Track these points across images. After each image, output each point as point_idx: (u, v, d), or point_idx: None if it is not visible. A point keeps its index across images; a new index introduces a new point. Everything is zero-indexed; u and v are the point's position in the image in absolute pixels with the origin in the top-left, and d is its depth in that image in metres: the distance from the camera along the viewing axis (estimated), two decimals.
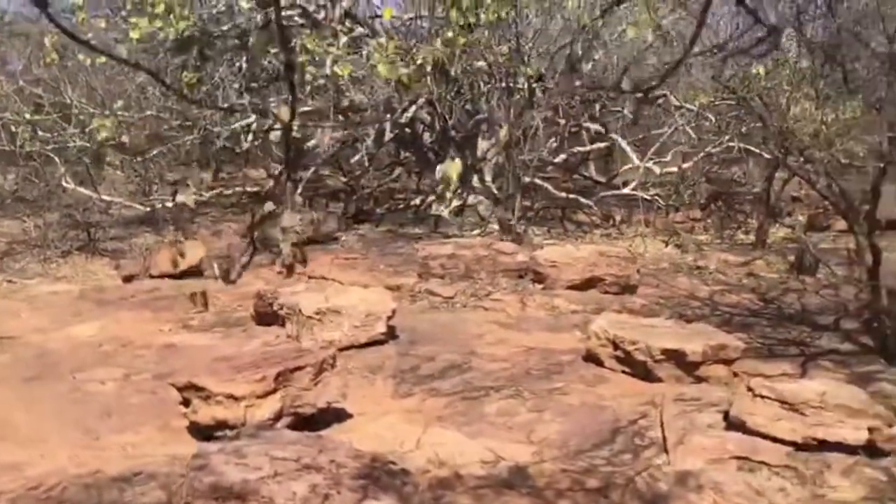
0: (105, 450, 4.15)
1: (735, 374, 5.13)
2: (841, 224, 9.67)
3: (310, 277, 8.03)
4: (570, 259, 7.54)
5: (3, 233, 10.62)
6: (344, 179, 14.83)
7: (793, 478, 3.62)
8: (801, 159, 6.00)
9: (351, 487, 2.79)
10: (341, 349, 5.71)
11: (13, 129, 10.10)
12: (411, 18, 11.79)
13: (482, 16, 9.36)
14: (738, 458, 3.75)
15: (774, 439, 3.83)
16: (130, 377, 5.27)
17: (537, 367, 5.42)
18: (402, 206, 13.20)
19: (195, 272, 8.28)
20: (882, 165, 4.89)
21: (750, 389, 3.91)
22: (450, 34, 9.63)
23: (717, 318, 6.83)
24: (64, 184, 11.23)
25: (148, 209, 11.59)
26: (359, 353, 5.69)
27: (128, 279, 8.25)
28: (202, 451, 3.00)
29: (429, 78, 10.10)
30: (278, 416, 4.12)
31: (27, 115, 10.12)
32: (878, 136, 4.93)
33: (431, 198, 12.82)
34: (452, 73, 10.56)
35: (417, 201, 13.09)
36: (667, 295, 7.53)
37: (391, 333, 6.05)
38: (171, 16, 9.32)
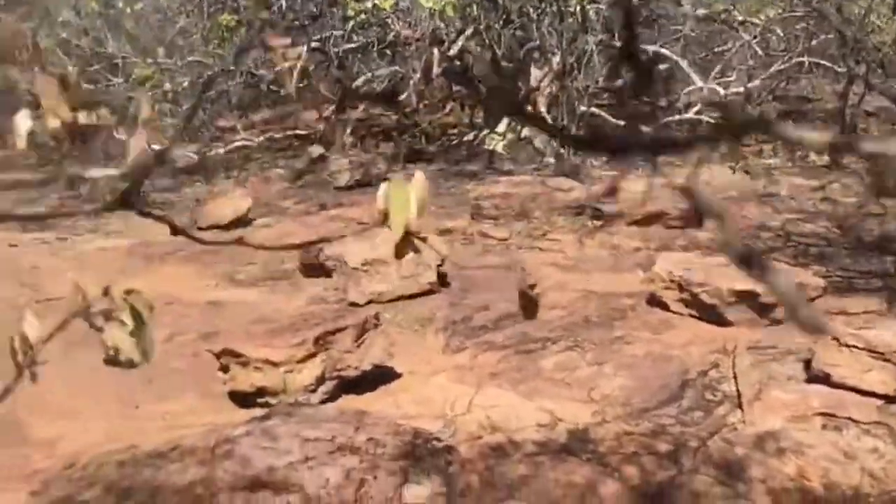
0: (144, 420, 3.99)
1: None
2: None
3: (359, 223, 7.77)
4: (631, 192, 7.10)
5: (56, 187, 10.58)
6: (395, 117, 14.48)
7: (886, 436, 3.25)
8: (880, 71, 5.43)
9: (389, 471, 2.54)
10: (390, 301, 5.48)
11: None
12: None
13: None
14: (823, 414, 3.40)
15: (863, 392, 3.46)
16: (175, 338, 5.10)
17: (597, 313, 5.09)
18: (455, 142, 12.80)
19: (243, 221, 8.10)
20: None
21: (835, 339, 3.52)
22: None
23: (791, 249, 6.38)
24: (115, 135, 11.17)
25: (197, 157, 11.47)
26: (408, 304, 5.43)
27: (177, 232, 8.08)
28: (228, 435, 2.78)
29: (475, 6, 9.63)
30: (320, 381, 3.89)
31: (71, 68, 9.97)
32: None
33: (485, 132, 12.41)
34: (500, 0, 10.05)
35: (471, 136, 12.68)
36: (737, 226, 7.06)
37: (443, 281, 5.76)
38: None
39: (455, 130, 13.89)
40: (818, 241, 6.57)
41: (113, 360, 1.32)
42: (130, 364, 1.33)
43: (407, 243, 1.26)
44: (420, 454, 2.65)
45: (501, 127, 12.26)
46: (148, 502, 3.05)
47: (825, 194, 8.09)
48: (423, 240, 1.26)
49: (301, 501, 2.43)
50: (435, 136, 13.38)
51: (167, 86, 10.04)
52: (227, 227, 7.89)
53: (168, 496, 2.64)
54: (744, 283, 4.67)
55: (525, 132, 11.90)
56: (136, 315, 1.33)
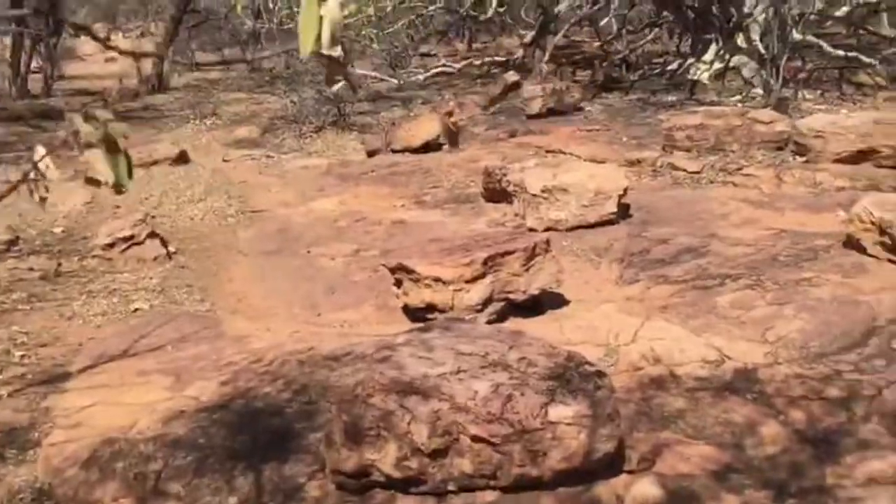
0: (324, 326, 4.26)
1: None
2: None
3: (547, 151, 7.74)
4: (839, 128, 6.59)
5: (267, 108, 11.27)
6: (597, 44, 14.11)
7: None
8: None
9: (537, 389, 2.57)
10: (569, 229, 5.46)
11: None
12: None
13: None
14: None
15: None
16: (359, 253, 5.37)
17: (786, 252, 4.81)
18: (658, 70, 12.32)
19: (435, 145, 8.28)
20: None
21: None
22: None
23: None
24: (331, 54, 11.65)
25: (399, 82, 11.78)
26: (587, 233, 5.39)
27: (371, 154, 8.43)
28: (388, 343, 2.91)
29: None
30: (488, 301, 3.97)
31: None
32: None
33: (690, 61, 11.85)
34: None
35: (675, 65, 12.15)
36: None
37: (624, 212, 5.66)
38: None
39: (661, 59, 13.37)
40: None
41: (91, 180, 1.48)
42: (108, 185, 1.46)
43: (334, 70, 1.25)
44: (569, 377, 2.67)
45: (709, 55, 11.67)
46: (318, 399, 3.28)
47: None
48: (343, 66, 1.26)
49: (450, 408, 2.52)
50: (637, 64, 12.95)
51: (370, 10, 10.29)
52: (418, 150, 8.10)
53: (335, 395, 2.82)
54: None
55: (734, 61, 11.27)
56: (112, 142, 1.44)
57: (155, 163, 7.90)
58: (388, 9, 10.93)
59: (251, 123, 10.32)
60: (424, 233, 5.42)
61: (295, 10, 10.43)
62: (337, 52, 1.36)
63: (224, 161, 8.48)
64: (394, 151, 8.28)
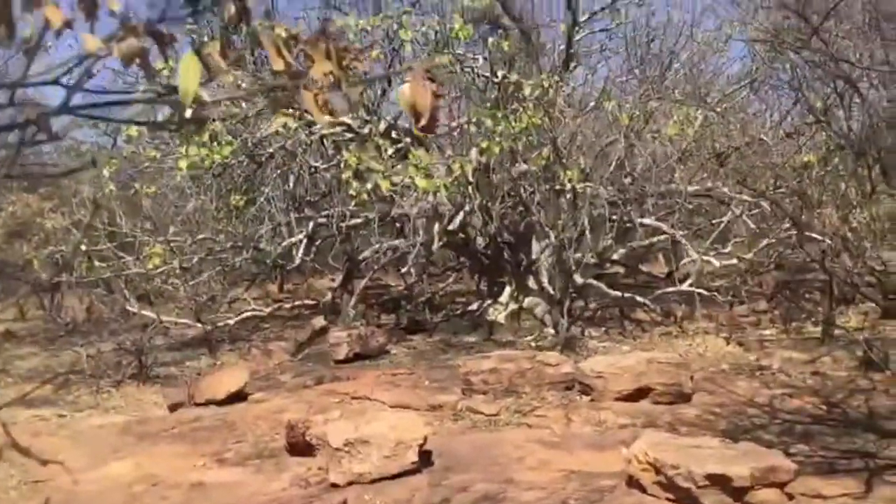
0: None
1: (790, 497, 4.71)
2: None
3: (353, 398, 7.87)
4: (617, 369, 7.21)
5: (63, 362, 10.82)
6: (401, 288, 14.82)
7: None
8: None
9: None
10: (372, 481, 5.50)
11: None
12: (453, 127, 11.82)
13: (516, 123, 9.41)
14: None
15: None
16: None
17: (576, 496, 5.08)
18: (459, 311, 13.02)
19: (240, 396, 8.21)
20: None
21: None
22: (485, 143, 9.70)
23: (777, 426, 6.39)
24: (128, 308, 11.50)
25: (207, 329, 11.72)
26: (389, 484, 5.44)
27: (173, 408, 8.21)
28: None
29: (470, 187, 10.09)
30: None
31: (83, 247, 10.44)
32: None
33: (488, 302, 12.65)
34: (494, 179, 10.53)
35: (475, 306, 12.91)
36: (723, 402, 7.10)
37: (426, 460, 5.79)
38: (216, 143, 9.59)
39: (463, 299, 14.16)
40: (804, 417, 6.58)
41: None
42: None
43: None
44: None
45: (504, 297, 12.52)
46: None
47: (816, 367, 8.14)
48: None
49: None
50: (441, 305, 13.64)
51: (175, 263, 10.41)
52: (223, 402, 8.00)
53: None
54: (716, 465, 4.71)
55: (527, 303, 12.15)
56: None
57: None
58: (195, 260, 11.08)
59: (44, 380, 9.84)
60: (223, 496, 5.29)
61: (95, 262, 10.38)
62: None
63: (10, 424, 7.96)
64: (197, 404, 8.11)
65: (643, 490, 5.00)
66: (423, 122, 1.64)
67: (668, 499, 4.85)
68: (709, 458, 4.82)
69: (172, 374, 9.85)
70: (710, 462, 4.75)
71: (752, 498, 4.61)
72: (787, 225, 10.43)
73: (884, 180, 5.10)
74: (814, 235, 5.43)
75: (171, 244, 10.70)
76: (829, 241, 5.04)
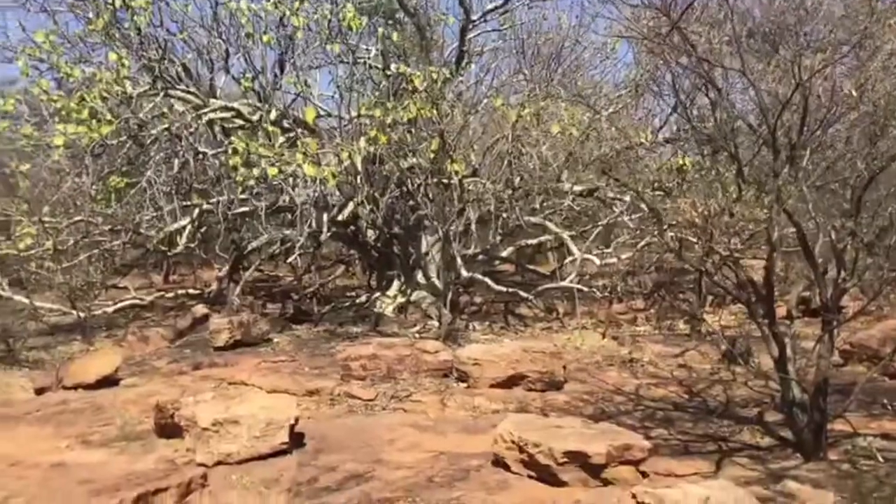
0: None
1: (644, 475, 4.92)
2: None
3: (230, 383, 7.77)
4: (492, 357, 7.36)
5: None
6: (291, 279, 14.68)
7: None
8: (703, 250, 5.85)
9: None
10: (240, 462, 5.45)
11: None
12: (342, 118, 11.79)
13: (403, 114, 9.47)
14: None
15: None
16: (8, 500, 4.96)
17: (441, 474, 5.17)
18: (347, 304, 12.99)
19: (111, 381, 7.98)
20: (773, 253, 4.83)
21: (633, 496, 3.71)
22: (373, 132, 9.73)
23: (640, 412, 6.66)
24: (0, 292, 11.01)
25: (80, 315, 11.32)
26: (258, 465, 5.40)
27: (40, 391, 7.92)
28: None
29: (359, 177, 10.10)
30: None
31: None
32: (767, 226, 4.89)
33: (377, 294, 12.68)
34: (383, 170, 10.57)
35: (363, 298, 12.92)
36: (593, 390, 7.35)
37: (298, 442, 5.78)
38: (95, 121, 9.29)
39: (353, 293, 14.13)
40: (666, 404, 6.87)
41: None
42: None
43: None
44: None
45: (392, 290, 12.58)
46: None
47: (683, 360, 8.51)
48: None
49: None
50: (329, 297, 13.57)
51: (48, 244, 10.03)
52: (92, 386, 7.77)
53: None
54: (575, 443, 4.87)
55: (414, 296, 12.23)
56: None
57: None
58: (70, 242, 10.70)
59: None
60: (83, 475, 5.15)
61: None
62: None
63: None
64: (66, 388, 7.85)
65: (507, 468, 5.13)
66: None
67: (529, 476, 4.99)
68: (569, 436, 4.99)
69: (42, 359, 9.50)
70: (570, 440, 4.92)
71: (609, 475, 4.79)
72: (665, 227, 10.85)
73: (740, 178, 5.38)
74: (670, 224, 5.65)
75: (45, 225, 10.29)
76: (684, 234, 5.26)
